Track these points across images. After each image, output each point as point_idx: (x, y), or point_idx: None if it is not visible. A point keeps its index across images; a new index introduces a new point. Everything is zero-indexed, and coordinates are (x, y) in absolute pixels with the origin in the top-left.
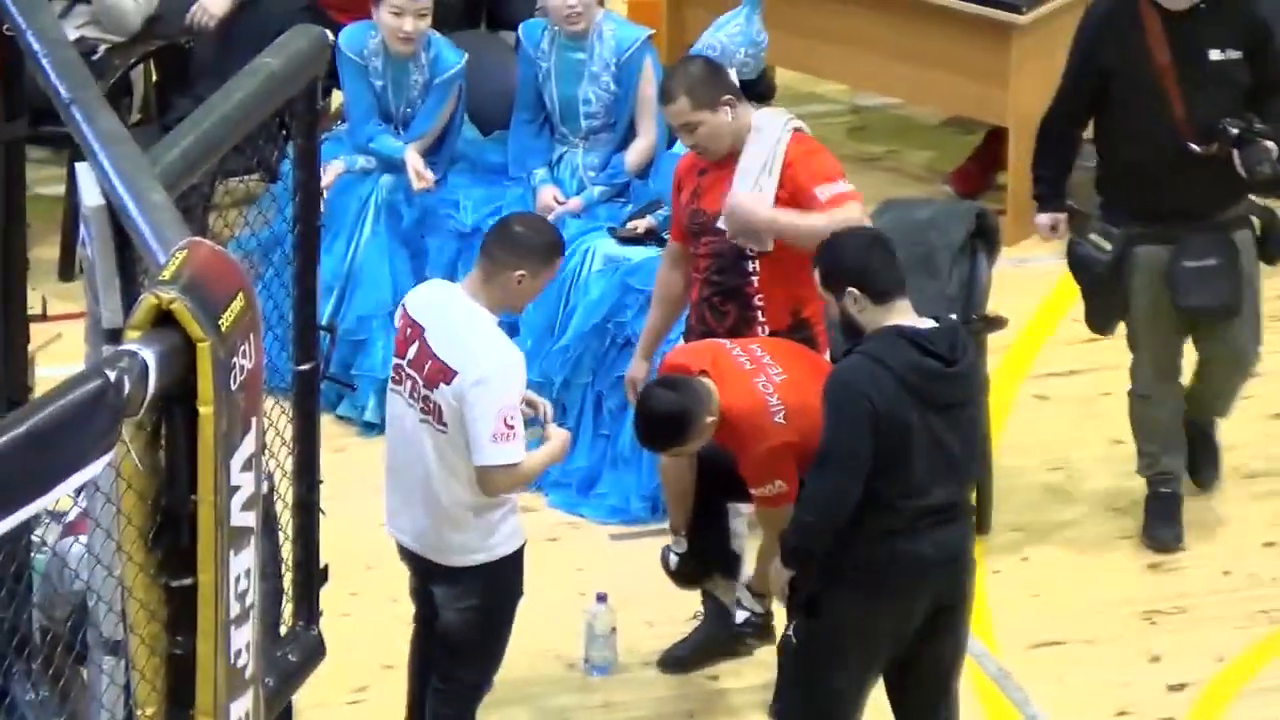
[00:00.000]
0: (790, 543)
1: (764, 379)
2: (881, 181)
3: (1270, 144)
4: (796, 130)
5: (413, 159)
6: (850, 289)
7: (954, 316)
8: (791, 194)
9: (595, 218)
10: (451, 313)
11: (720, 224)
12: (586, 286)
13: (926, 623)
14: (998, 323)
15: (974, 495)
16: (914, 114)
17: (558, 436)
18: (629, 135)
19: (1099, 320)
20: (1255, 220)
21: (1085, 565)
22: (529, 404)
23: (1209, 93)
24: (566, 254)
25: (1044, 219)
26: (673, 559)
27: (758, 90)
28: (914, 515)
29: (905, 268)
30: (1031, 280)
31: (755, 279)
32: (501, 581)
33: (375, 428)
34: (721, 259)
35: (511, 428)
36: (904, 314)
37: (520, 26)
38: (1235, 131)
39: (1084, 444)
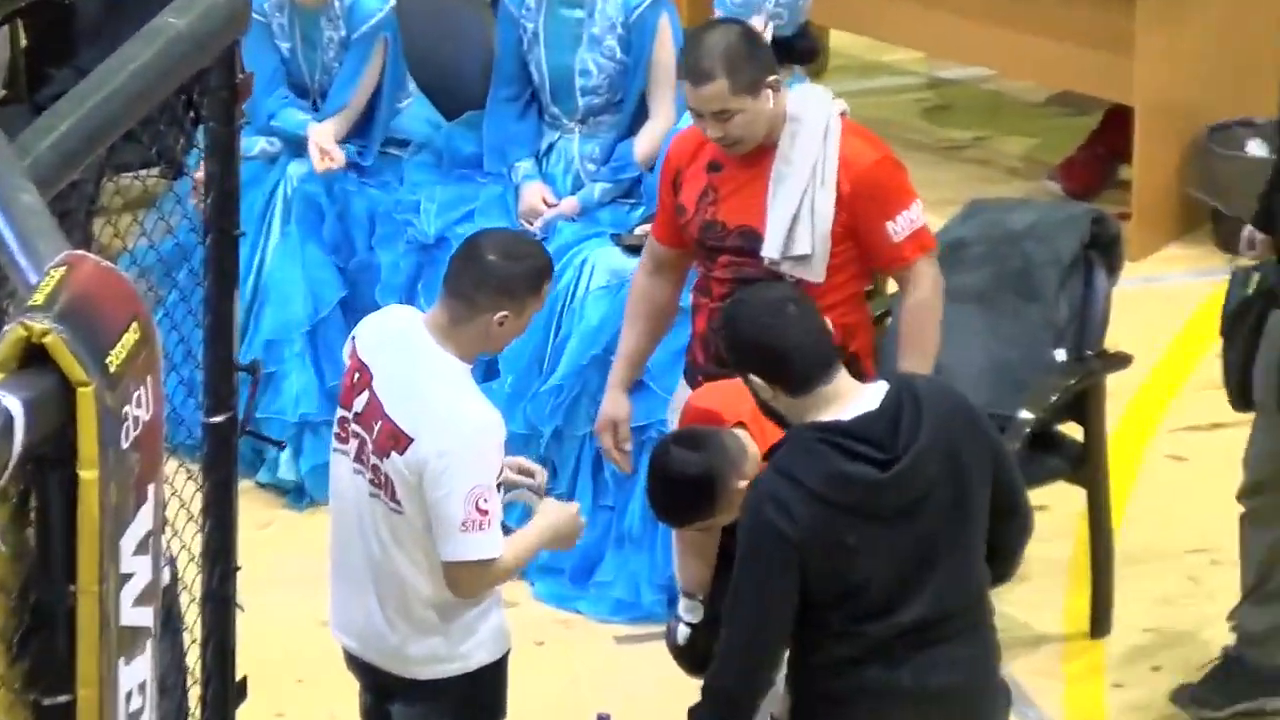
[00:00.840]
0: (700, 714)
1: None
2: (967, 177)
3: None
4: (841, 114)
5: (316, 133)
6: (751, 376)
7: (1060, 354)
8: (852, 218)
9: (596, 222)
10: (410, 356)
11: (765, 252)
12: (583, 309)
13: None
14: (1120, 361)
15: (1084, 590)
16: (1009, 90)
17: (555, 512)
18: (639, 117)
19: (1227, 384)
20: None
21: None
22: (523, 473)
23: None
24: (559, 268)
25: (1248, 230)
26: (682, 632)
27: (797, 50)
28: (883, 638)
29: (997, 287)
30: (1165, 305)
31: None
32: (479, 699)
33: (306, 495)
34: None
35: (485, 513)
36: (831, 399)
37: None
38: None
39: (1235, 517)
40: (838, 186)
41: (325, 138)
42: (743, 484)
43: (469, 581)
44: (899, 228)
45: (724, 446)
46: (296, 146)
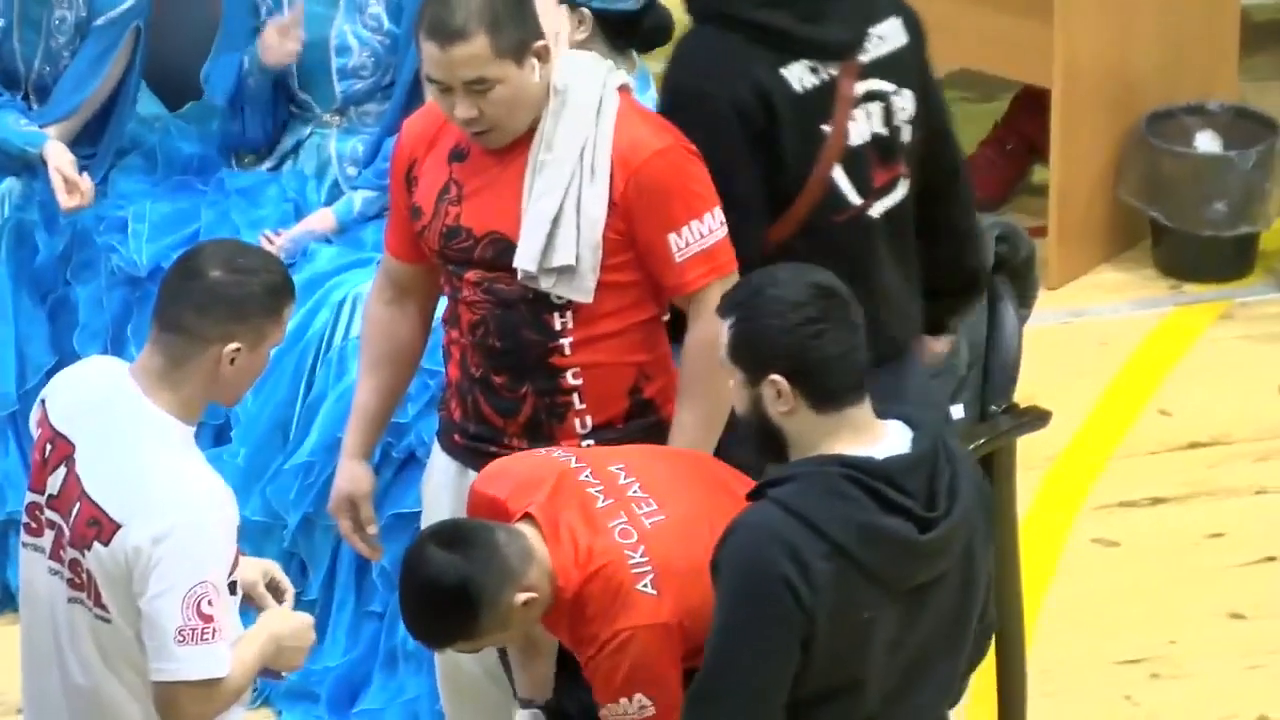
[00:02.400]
0: None
1: (624, 522)
2: None
3: None
4: (621, 88)
5: (56, 155)
6: (774, 377)
7: (958, 410)
8: (630, 225)
9: (358, 245)
10: (114, 419)
11: (518, 262)
12: (341, 362)
13: None
14: (1035, 419)
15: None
16: None
17: (279, 619)
18: (414, 104)
19: None
20: None
21: None
22: (272, 588)
23: None
24: (311, 306)
25: None
26: None
27: (649, 26)
28: None
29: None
30: (1093, 346)
31: (568, 341)
32: None
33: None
34: (506, 311)
35: (209, 618)
36: (858, 427)
37: None
38: None
39: (1180, 620)
40: (611, 182)
41: (69, 163)
42: (524, 597)
43: (189, 708)
44: (685, 242)
45: (495, 549)
46: (10, 161)
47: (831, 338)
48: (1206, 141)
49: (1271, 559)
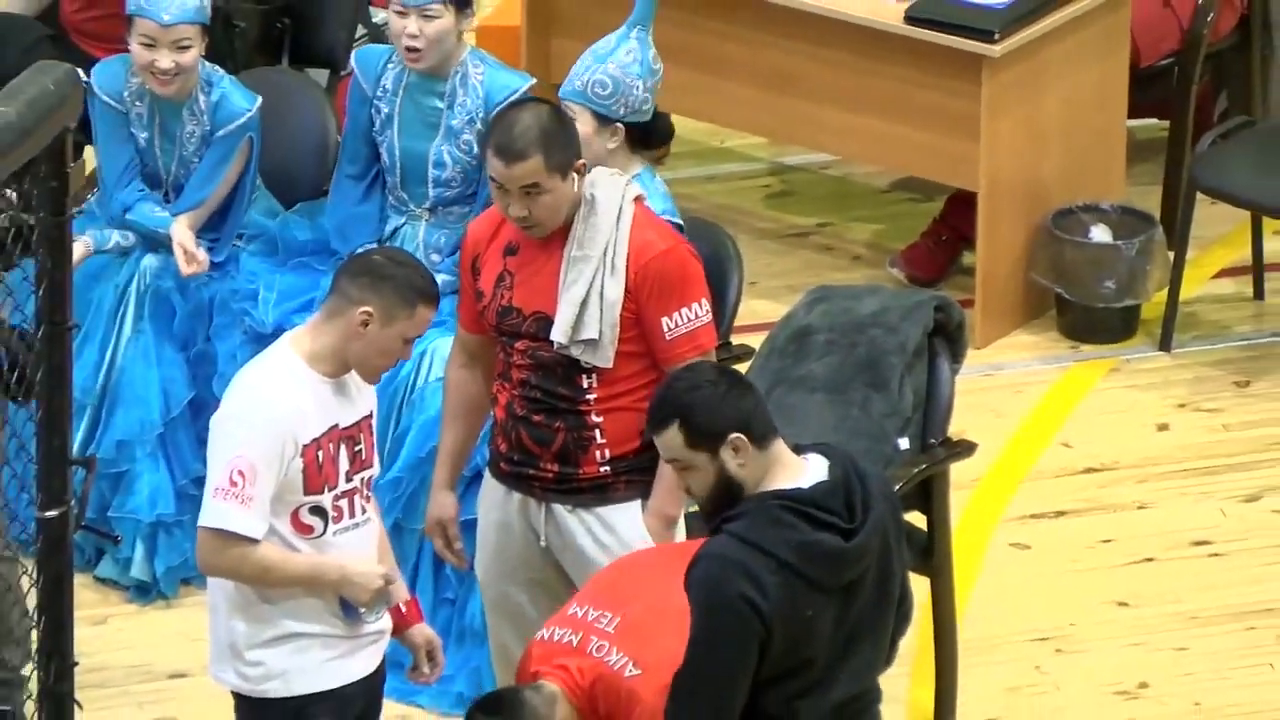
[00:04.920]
0: None
1: (596, 641)
2: (811, 264)
3: None
4: (636, 199)
5: (180, 233)
6: (735, 435)
7: (904, 443)
8: (637, 308)
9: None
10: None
11: (554, 336)
12: (423, 399)
13: None
14: (964, 449)
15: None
16: (853, 175)
17: (357, 560)
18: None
19: None
20: None
21: None
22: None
23: None
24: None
25: None
26: None
27: (659, 133)
28: (814, 718)
29: (845, 376)
30: (1009, 393)
31: (593, 396)
32: None
33: (149, 590)
34: (546, 372)
35: (237, 485)
36: (784, 462)
37: (355, 54)
38: None
39: (1079, 607)
40: (626, 273)
41: (189, 239)
42: None
43: (205, 551)
44: (674, 324)
45: (526, 704)
46: (151, 241)
47: (741, 394)
48: (1100, 234)
49: (1150, 560)
